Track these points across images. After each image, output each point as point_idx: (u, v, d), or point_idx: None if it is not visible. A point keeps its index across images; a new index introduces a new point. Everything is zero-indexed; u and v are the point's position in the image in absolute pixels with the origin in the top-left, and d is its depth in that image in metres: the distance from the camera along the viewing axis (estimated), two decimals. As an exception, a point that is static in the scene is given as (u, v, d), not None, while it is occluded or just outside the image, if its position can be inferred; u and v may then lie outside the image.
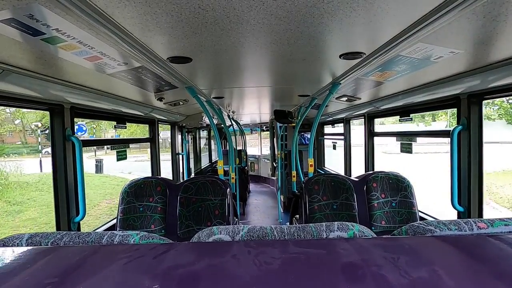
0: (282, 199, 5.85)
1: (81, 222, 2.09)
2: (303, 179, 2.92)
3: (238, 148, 7.36)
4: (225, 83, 2.34)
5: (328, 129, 5.44)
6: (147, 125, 3.46)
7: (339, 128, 4.56)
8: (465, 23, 1.00)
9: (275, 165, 6.94)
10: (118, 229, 2.43)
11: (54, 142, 1.94)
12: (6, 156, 16.91)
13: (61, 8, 0.82)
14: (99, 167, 14.57)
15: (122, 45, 1.15)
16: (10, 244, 0.78)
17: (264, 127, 9.18)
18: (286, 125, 5.78)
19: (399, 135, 2.75)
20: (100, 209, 9.23)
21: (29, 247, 0.76)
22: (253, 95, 3.13)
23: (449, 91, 1.90)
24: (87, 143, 2.23)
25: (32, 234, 0.81)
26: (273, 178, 8.05)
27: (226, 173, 4.04)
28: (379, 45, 1.30)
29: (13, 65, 1.26)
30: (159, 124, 3.62)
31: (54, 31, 0.99)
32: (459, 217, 1.96)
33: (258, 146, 10.37)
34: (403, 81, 1.96)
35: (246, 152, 8.68)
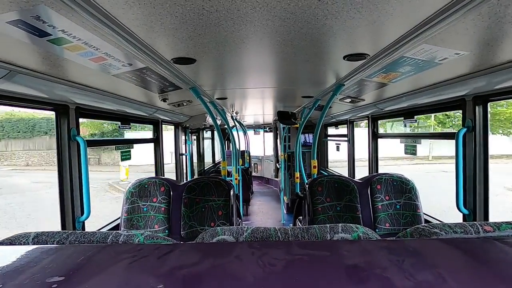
0: (285, 200, 5.84)
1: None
2: (306, 181, 2.91)
3: (241, 149, 7.38)
4: (229, 84, 2.35)
5: (331, 130, 5.43)
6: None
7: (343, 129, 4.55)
8: (471, 24, 1.00)
9: (278, 166, 6.94)
10: (122, 229, 2.44)
11: (59, 142, 1.96)
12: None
13: (67, 9, 0.83)
14: None
15: (127, 46, 1.16)
16: (17, 243, 0.79)
17: (268, 128, 9.18)
18: (289, 126, 5.78)
19: (403, 136, 2.74)
20: None
21: (36, 246, 0.76)
22: (257, 96, 3.14)
23: (454, 92, 1.88)
24: (92, 143, 2.24)
25: (38, 233, 0.82)
26: (276, 179, 8.04)
27: (229, 174, 4.04)
28: (383, 47, 1.30)
29: (20, 65, 1.27)
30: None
31: (60, 32, 1.00)
32: (464, 219, 1.94)
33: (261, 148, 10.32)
34: (407, 83, 1.95)
35: (249, 153, 8.68)
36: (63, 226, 1.99)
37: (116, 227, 2.57)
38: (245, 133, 8.34)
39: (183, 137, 4.50)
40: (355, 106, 3.20)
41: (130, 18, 0.96)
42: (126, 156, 2.75)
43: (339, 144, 4.77)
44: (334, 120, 4.61)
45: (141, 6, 0.87)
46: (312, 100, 3.13)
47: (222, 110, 3.65)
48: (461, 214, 1.95)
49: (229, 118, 4.90)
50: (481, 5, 0.84)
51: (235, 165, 4.13)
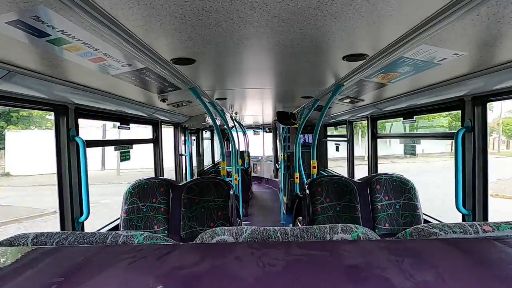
0: (285, 201, 5.84)
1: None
2: (306, 181, 2.91)
3: (241, 149, 7.37)
4: (228, 85, 2.35)
5: (331, 130, 5.44)
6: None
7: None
8: (469, 25, 1.00)
9: (277, 166, 6.94)
10: (121, 229, 2.44)
11: (58, 142, 1.96)
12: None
13: (66, 10, 0.83)
14: None
15: (126, 47, 1.15)
16: (16, 244, 0.78)
17: (267, 128, 9.18)
18: (288, 126, 5.78)
19: (402, 137, 2.74)
20: None
21: (35, 247, 0.76)
22: (256, 96, 3.14)
23: (453, 93, 1.89)
24: (91, 143, 2.24)
25: (37, 233, 0.81)
26: (275, 179, 8.04)
27: (228, 174, 4.04)
28: (382, 47, 1.30)
29: (19, 66, 1.27)
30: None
31: (59, 33, 1.00)
32: (463, 220, 1.94)
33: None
34: (406, 83, 1.95)
35: (248, 154, 8.68)
36: (62, 226, 1.99)
37: (116, 228, 2.56)
38: (244, 133, 8.34)
39: (183, 138, 4.51)
40: (354, 106, 3.20)
41: (129, 19, 0.96)
42: (125, 157, 2.75)
43: (339, 144, 4.77)
44: (334, 120, 4.62)
45: (141, 6, 0.87)
46: (312, 100, 3.14)
47: (221, 111, 3.65)
48: (460, 214, 1.95)
49: (228, 119, 4.90)
50: (480, 6, 0.84)
51: (235, 166, 4.13)
